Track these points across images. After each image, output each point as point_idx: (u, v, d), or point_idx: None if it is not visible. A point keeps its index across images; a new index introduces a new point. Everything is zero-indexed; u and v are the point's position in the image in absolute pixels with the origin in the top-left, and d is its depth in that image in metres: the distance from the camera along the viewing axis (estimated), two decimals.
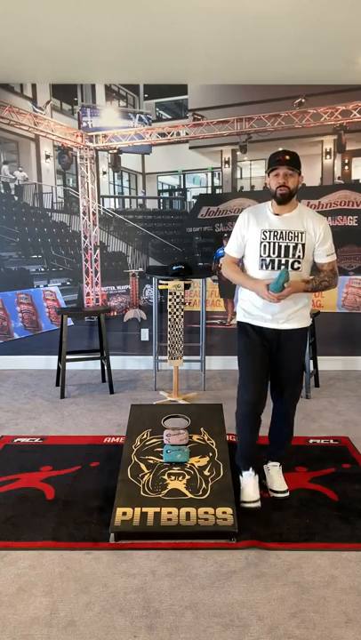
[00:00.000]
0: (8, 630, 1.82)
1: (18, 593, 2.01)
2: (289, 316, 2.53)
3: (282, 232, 2.48)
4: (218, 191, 5.17)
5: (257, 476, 2.65)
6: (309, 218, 2.52)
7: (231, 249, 2.66)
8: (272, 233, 2.49)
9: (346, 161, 5.06)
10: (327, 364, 5.18)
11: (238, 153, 5.06)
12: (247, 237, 2.56)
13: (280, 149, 2.51)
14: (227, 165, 5.11)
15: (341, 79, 4.73)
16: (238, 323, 2.68)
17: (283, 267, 2.45)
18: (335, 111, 4.91)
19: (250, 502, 2.55)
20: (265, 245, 2.49)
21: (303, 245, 2.47)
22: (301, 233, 2.48)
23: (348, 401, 4.29)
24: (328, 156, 5.06)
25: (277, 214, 2.51)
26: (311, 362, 4.48)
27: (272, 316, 2.52)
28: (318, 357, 4.78)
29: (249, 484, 2.62)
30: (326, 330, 5.16)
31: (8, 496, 2.71)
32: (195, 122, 4.98)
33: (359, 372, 5.22)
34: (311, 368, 4.49)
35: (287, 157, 2.42)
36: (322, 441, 3.42)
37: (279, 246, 2.48)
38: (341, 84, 4.84)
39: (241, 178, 5.13)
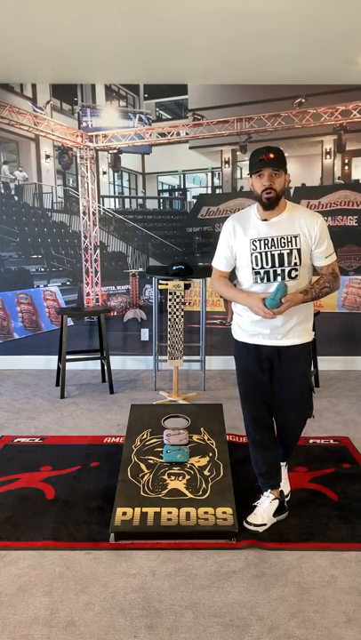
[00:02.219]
0: (8, 630, 1.82)
1: (18, 593, 2.01)
2: (289, 330, 2.32)
3: (273, 239, 2.24)
4: (218, 191, 5.17)
5: (276, 500, 2.46)
6: (302, 218, 2.26)
7: (219, 262, 2.41)
8: (262, 242, 2.25)
9: (346, 161, 5.06)
10: (327, 364, 5.18)
11: (238, 153, 5.06)
12: (236, 248, 2.32)
13: (261, 147, 2.23)
14: (227, 165, 5.11)
15: (341, 79, 4.73)
16: (234, 341, 2.49)
17: (279, 281, 2.24)
18: (335, 111, 4.91)
19: (253, 525, 2.38)
20: (256, 256, 2.25)
21: (299, 251, 2.23)
22: (295, 237, 2.24)
23: (348, 401, 4.29)
24: (328, 156, 5.06)
25: (265, 219, 2.27)
26: (311, 362, 4.48)
27: (271, 330, 2.31)
28: (318, 357, 4.78)
29: (262, 505, 2.45)
30: (326, 330, 5.15)
31: (8, 496, 2.71)
32: (195, 122, 4.98)
33: (359, 371, 5.22)
34: (311, 368, 4.49)
35: (271, 156, 2.15)
36: (322, 441, 3.42)
37: (272, 255, 2.23)
38: (341, 84, 4.84)
39: (241, 178, 5.13)
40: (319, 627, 1.83)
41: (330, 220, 5.09)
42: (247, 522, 2.39)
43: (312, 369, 4.27)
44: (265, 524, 2.39)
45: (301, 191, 5.09)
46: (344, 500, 2.66)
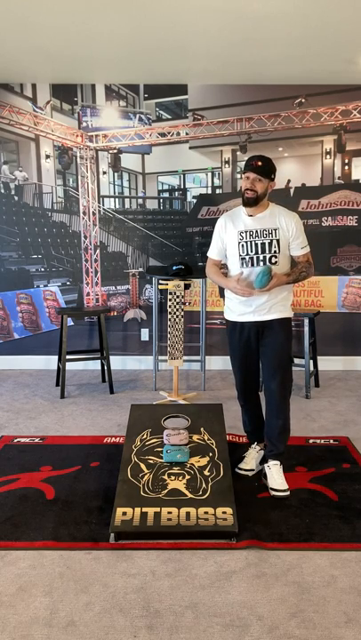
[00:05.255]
0: (8, 630, 1.82)
1: (18, 593, 2.01)
2: (271, 307, 2.71)
3: (257, 231, 2.68)
4: (218, 191, 5.17)
5: (261, 451, 2.95)
6: (281, 216, 2.70)
7: (212, 252, 2.89)
8: (248, 233, 2.69)
9: (346, 161, 5.06)
10: (327, 363, 5.18)
11: (238, 153, 5.06)
12: (226, 240, 2.76)
13: (255, 155, 2.70)
14: (227, 165, 5.11)
15: (341, 79, 4.74)
16: (226, 321, 2.90)
17: (267, 265, 2.64)
18: (335, 111, 4.92)
19: (243, 470, 2.92)
20: (243, 245, 2.69)
21: (278, 241, 2.66)
22: (275, 230, 2.67)
23: (348, 401, 4.29)
24: (328, 156, 5.06)
25: (251, 215, 2.71)
26: (311, 362, 4.49)
27: (255, 308, 2.71)
28: (318, 357, 4.78)
29: (249, 455, 2.98)
30: (326, 330, 5.15)
31: (8, 496, 2.71)
32: (195, 122, 4.98)
33: (359, 371, 5.22)
34: (311, 368, 4.49)
35: (259, 163, 2.61)
36: (322, 441, 3.42)
37: (256, 244, 2.67)
38: (341, 84, 4.84)
39: (241, 178, 5.12)
40: (319, 627, 1.83)
41: (330, 220, 5.09)
42: (239, 468, 2.92)
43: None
44: (253, 469, 2.92)
45: (301, 191, 5.09)
46: (344, 500, 2.66)
